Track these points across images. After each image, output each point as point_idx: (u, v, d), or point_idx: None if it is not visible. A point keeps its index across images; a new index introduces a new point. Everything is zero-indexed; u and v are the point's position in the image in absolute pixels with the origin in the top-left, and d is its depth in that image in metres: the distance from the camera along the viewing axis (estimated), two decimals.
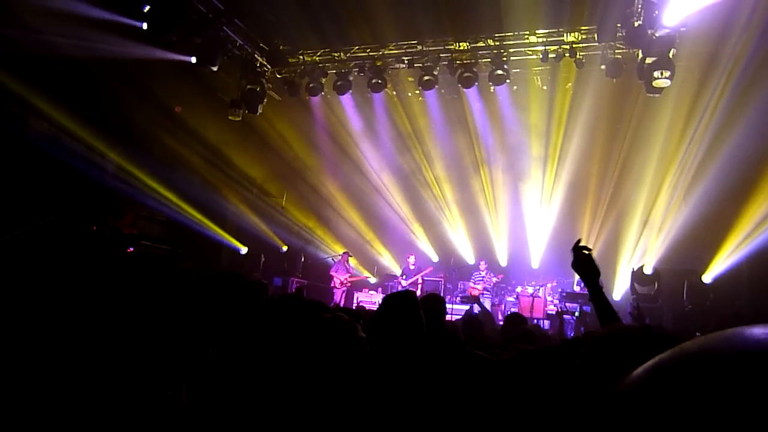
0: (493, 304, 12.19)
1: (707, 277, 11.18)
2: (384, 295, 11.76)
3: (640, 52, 9.77)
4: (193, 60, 11.01)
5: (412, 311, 2.61)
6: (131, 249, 10.12)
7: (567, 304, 11.33)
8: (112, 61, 10.03)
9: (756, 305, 9.97)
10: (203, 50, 10.91)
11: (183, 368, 2.07)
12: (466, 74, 11.23)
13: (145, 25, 9.72)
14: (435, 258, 15.13)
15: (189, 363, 2.12)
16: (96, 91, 10.33)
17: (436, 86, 11.71)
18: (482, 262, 12.86)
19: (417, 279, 12.89)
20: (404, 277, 13.01)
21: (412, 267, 13.01)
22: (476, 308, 11.48)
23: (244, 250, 13.94)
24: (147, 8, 9.61)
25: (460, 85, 11.49)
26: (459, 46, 11.29)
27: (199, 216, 12.54)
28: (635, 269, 11.53)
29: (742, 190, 10.65)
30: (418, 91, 12.50)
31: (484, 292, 12.24)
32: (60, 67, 9.41)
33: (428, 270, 13.29)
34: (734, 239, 10.84)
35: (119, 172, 11.05)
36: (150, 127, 11.14)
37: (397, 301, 2.69)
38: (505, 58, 11.07)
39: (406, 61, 11.76)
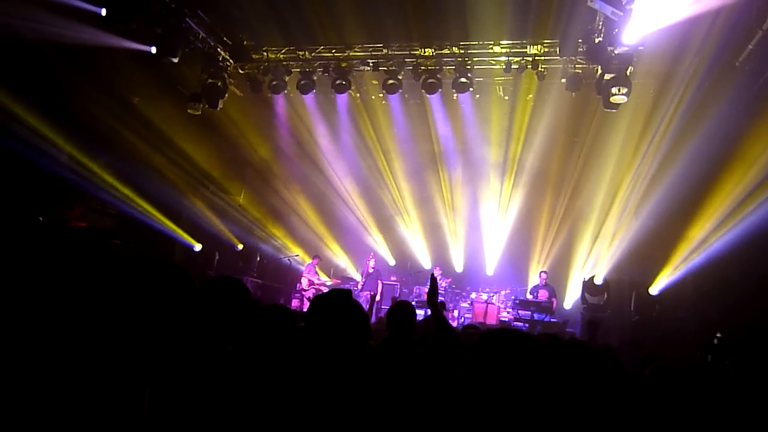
0: (446, 309, 12.26)
1: (654, 289, 11.56)
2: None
3: (599, 68, 10.04)
4: (153, 50, 10.72)
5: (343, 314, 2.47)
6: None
7: (519, 312, 11.52)
8: (68, 46, 9.66)
9: (699, 317, 10.36)
10: (164, 41, 10.62)
11: (144, 371, 1.98)
12: (430, 80, 11.31)
13: (103, 11, 9.40)
14: (392, 262, 15.15)
15: (152, 366, 2.02)
16: (49, 77, 9.94)
17: (400, 90, 11.75)
18: (437, 269, 12.97)
19: (368, 276, 12.79)
20: (363, 280, 12.92)
21: (371, 270, 12.93)
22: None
23: (198, 246, 13.64)
24: None
25: (423, 91, 11.56)
26: (424, 52, 11.34)
27: (153, 211, 12.21)
28: (586, 279, 11.81)
29: (689, 208, 11.05)
30: (381, 95, 12.50)
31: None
32: (11, 49, 9.00)
33: (372, 264, 13.14)
34: (680, 254, 11.25)
35: (71, 162, 10.65)
36: (106, 117, 10.79)
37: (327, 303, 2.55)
38: (469, 67, 11.19)
39: (371, 64, 11.75)
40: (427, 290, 3.70)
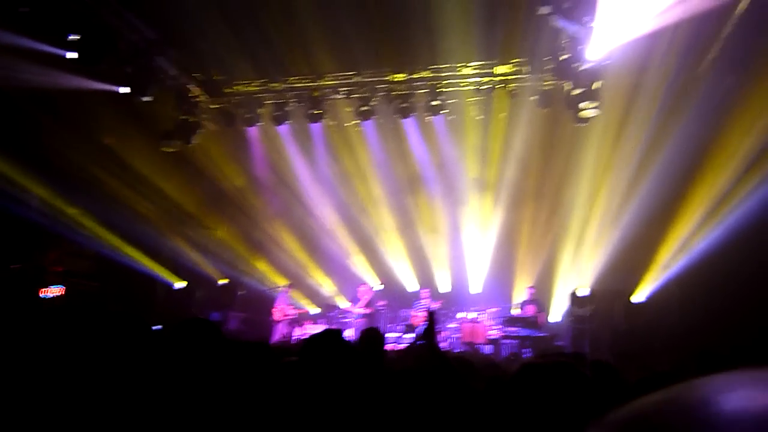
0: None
1: (640, 297, 11.65)
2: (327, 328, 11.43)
3: (567, 84, 10.22)
4: (124, 90, 10.68)
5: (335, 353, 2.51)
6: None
7: (507, 329, 11.49)
8: (37, 90, 9.60)
9: (687, 322, 10.45)
10: (135, 80, 10.60)
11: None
12: (403, 105, 11.42)
13: (71, 55, 9.35)
14: (377, 286, 15.06)
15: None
16: (19, 122, 9.84)
17: (374, 116, 11.83)
18: (423, 290, 12.89)
19: (367, 305, 12.67)
20: (353, 306, 12.77)
21: (360, 297, 12.80)
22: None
23: (179, 284, 13.45)
24: (74, 37, 9.27)
25: (397, 116, 11.65)
26: (395, 77, 11.47)
27: (131, 250, 12.05)
28: (572, 292, 11.86)
29: (667, 214, 11.23)
30: (356, 121, 12.56)
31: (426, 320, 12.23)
32: None
33: (370, 294, 12.97)
34: (663, 260, 11.38)
35: (44, 206, 10.50)
36: (79, 160, 10.68)
37: (319, 344, 2.59)
38: (440, 89, 11.33)
39: (343, 92, 11.83)
40: (424, 328, 3.71)
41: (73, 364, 2.05)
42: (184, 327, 2.42)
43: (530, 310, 11.80)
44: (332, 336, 2.64)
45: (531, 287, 12.37)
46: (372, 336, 4.07)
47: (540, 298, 12.25)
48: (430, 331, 3.53)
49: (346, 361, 2.40)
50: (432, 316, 3.55)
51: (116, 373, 1.98)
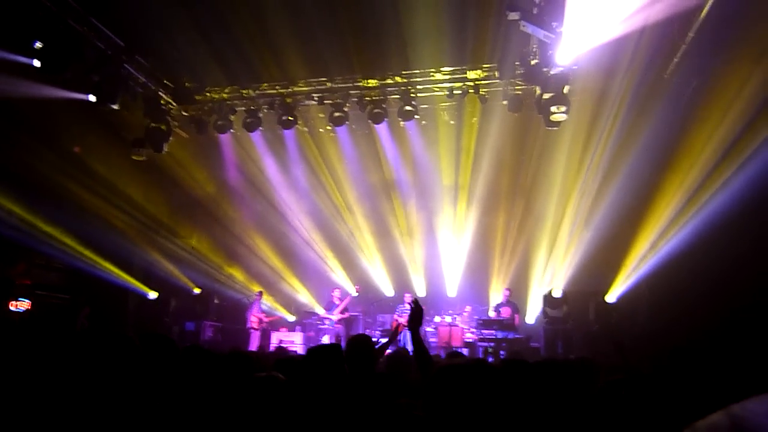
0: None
1: (611, 297, 11.83)
2: (304, 338, 11.40)
3: (537, 88, 10.35)
4: (92, 98, 10.50)
5: (336, 365, 2.55)
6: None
7: (483, 331, 11.57)
8: (2, 100, 9.38)
9: (655, 320, 10.65)
10: (102, 88, 10.43)
11: None
12: (376, 110, 11.44)
13: (37, 63, 9.17)
14: (354, 292, 15.05)
15: None
16: None
17: (347, 122, 11.82)
18: (407, 294, 12.87)
19: (343, 311, 12.66)
20: (329, 312, 12.73)
21: (337, 302, 12.77)
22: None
23: (152, 294, 13.25)
24: (39, 45, 9.08)
25: (370, 121, 11.67)
26: (368, 83, 11.49)
27: (102, 261, 11.84)
28: (545, 293, 11.99)
29: (636, 215, 11.45)
30: (329, 127, 12.54)
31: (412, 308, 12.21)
32: None
33: (347, 299, 13.04)
34: (632, 260, 11.58)
35: (10, 218, 10.26)
36: (46, 169, 10.46)
37: (322, 355, 2.62)
38: (413, 95, 11.38)
39: (316, 98, 11.81)
40: (409, 315, 3.66)
41: (29, 377, 2.01)
42: (142, 341, 2.39)
43: (506, 312, 11.90)
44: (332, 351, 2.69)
45: (507, 289, 12.48)
46: (360, 342, 4.04)
47: (515, 301, 12.36)
48: (415, 320, 3.54)
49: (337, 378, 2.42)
50: (417, 305, 3.57)
51: (71, 384, 1.94)
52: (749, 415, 0.64)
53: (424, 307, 3.78)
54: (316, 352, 3.03)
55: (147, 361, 2.28)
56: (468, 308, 12.83)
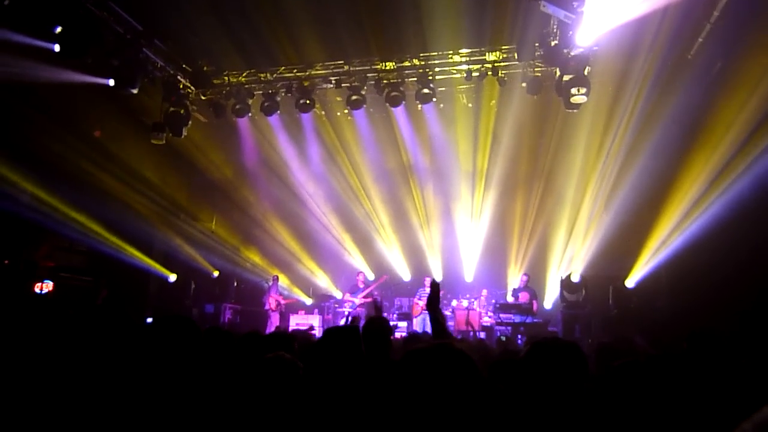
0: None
1: (630, 282, 11.73)
2: (322, 321, 11.46)
3: (557, 70, 10.21)
4: (111, 83, 10.59)
5: (353, 347, 2.56)
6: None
7: (501, 315, 11.56)
8: (24, 84, 9.50)
9: (675, 306, 10.54)
10: (121, 72, 10.51)
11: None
12: (393, 93, 11.37)
13: (57, 47, 9.25)
14: (371, 276, 15.10)
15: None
16: (6, 117, 9.75)
17: (365, 105, 11.79)
18: (428, 278, 12.87)
19: (367, 294, 12.74)
20: (352, 295, 12.82)
21: (361, 285, 12.87)
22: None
23: (172, 277, 13.44)
24: (59, 29, 9.16)
25: (387, 104, 11.62)
26: (385, 66, 11.41)
27: (123, 244, 12.02)
28: (563, 277, 11.92)
29: (657, 199, 11.28)
30: (346, 111, 12.52)
31: (425, 310, 12.26)
32: None
33: (382, 279, 13.18)
34: (652, 245, 11.44)
35: (34, 201, 10.44)
36: (68, 154, 10.60)
37: (339, 337, 2.63)
38: (430, 77, 11.28)
39: (333, 81, 11.78)
40: (427, 296, 3.66)
41: (55, 357, 2.05)
42: (162, 324, 2.42)
43: (524, 297, 11.87)
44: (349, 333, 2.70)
45: (525, 274, 12.43)
46: (377, 326, 3.97)
47: (533, 286, 12.32)
48: (434, 301, 3.54)
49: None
50: (436, 286, 3.56)
51: (95, 368, 1.98)
52: None
53: (441, 291, 3.77)
54: (333, 333, 3.04)
55: (160, 341, 2.32)
56: (484, 292, 12.81)
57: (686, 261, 10.38)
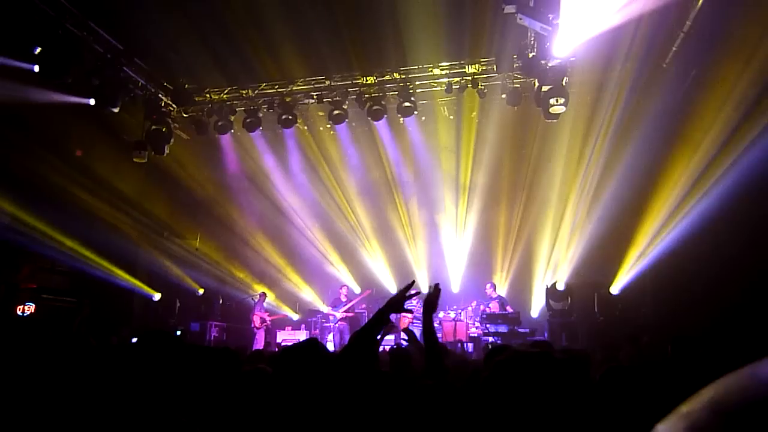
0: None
1: (615, 289, 11.81)
2: (309, 335, 11.42)
3: (536, 81, 10.35)
4: (92, 102, 10.56)
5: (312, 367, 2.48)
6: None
7: (487, 326, 11.57)
8: (3, 105, 9.43)
9: (659, 312, 10.63)
10: (102, 91, 10.49)
11: None
12: (375, 107, 11.45)
13: (37, 68, 9.22)
14: (358, 289, 15.07)
15: None
16: None
17: (347, 120, 11.85)
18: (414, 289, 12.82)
19: (350, 309, 12.68)
20: (335, 309, 12.76)
21: (344, 299, 12.81)
22: (403, 340, 11.50)
23: (157, 296, 13.32)
24: (38, 50, 9.14)
25: (369, 118, 11.69)
26: (366, 80, 11.50)
27: (106, 264, 11.89)
28: (548, 286, 11.97)
29: (638, 206, 11.41)
30: (329, 125, 12.57)
31: (414, 320, 12.25)
32: None
33: (367, 293, 13.14)
34: (635, 251, 11.55)
35: (14, 222, 10.32)
36: (48, 173, 10.51)
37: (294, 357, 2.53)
38: (411, 91, 11.39)
39: (315, 97, 11.84)
40: (425, 299, 3.47)
41: (32, 376, 2.04)
42: (145, 340, 2.41)
43: (495, 307, 11.90)
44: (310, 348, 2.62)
45: (490, 284, 12.45)
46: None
47: (501, 294, 12.40)
48: (431, 307, 3.37)
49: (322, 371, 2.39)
50: (436, 290, 3.37)
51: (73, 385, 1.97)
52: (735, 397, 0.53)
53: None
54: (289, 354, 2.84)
55: (142, 358, 2.31)
56: (474, 303, 12.83)
57: (669, 266, 10.50)
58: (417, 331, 12.16)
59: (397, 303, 2.96)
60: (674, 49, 9.47)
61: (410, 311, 3.27)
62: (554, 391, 1.71)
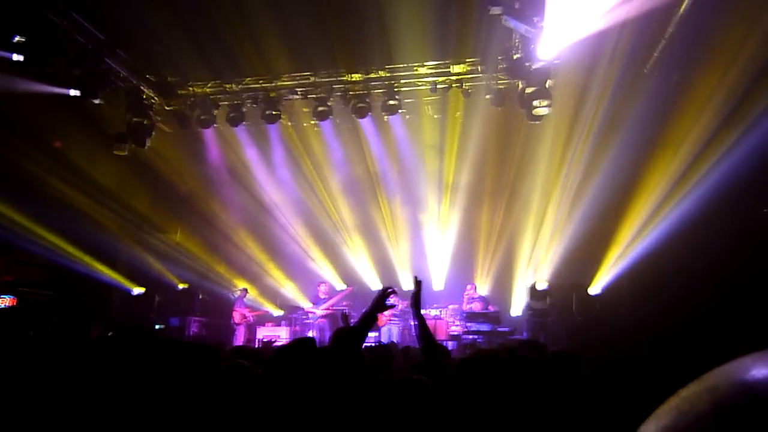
0: (403, 329, 12.29)
1: (593, 289, 11.97)
2: (290, 332, 11.33)
3: (520, 82, 10.43)
4: (73, 93, 10.40)
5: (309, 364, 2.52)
6: None
7: (468, 324, 11.65)
8: None
9: (636, 312, 10.81)
10: (83, 82, 10.34)
11: None
12: (360, 104, 11.44)
13: (17, 57, 9.06)
14: (341, 286, 15.04)
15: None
16: None
17: (331, 116, 11.83)
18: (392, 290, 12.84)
19: (330, 306, 12.65)
20: (315, 306, 12.74)
21: (322, 296, 12.78)
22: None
23: (136, 290, 13.19)
24: (17, 39, 8.97)
25: (354, 115, 11.68)
26: (351, 78, 11.48)
27: (84, 257, 11.75)
28: (529, 286, 12.08)
29: (618, 208, 11.58)
30: (313, 122, 12.53)
31: (393, 318, 12.29)
32: None
33: (348, 290, 13.14)
34: (614, 253, 11.72)
35: None
36: (26, 165, 10.35)
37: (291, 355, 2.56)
38: (396, 89, 11.40)
39: (299, 93, 11.79)
40: (411, 295, 3.59)
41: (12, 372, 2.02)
42: (120, 335, 2.41)
43: (477, 307, 11.98)
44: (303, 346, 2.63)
45: (470, 285, 12.57)
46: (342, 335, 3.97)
47: (482, 294, 12.51)
48: (417, 301, 3.49)
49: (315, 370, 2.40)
50: (419, 285, 3.49)
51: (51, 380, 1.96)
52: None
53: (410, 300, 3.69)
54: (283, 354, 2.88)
55: (118, 353, 2.30)
56: (456, 306, 12.89)
57: (647, 268, 10.67)
58: (396, 329, 12.22)
59: (381, 303, 3.21)
60: (656, 54, 9.61)
61: (393, 306, 3.41)
62: (516, 390, 1.75)
